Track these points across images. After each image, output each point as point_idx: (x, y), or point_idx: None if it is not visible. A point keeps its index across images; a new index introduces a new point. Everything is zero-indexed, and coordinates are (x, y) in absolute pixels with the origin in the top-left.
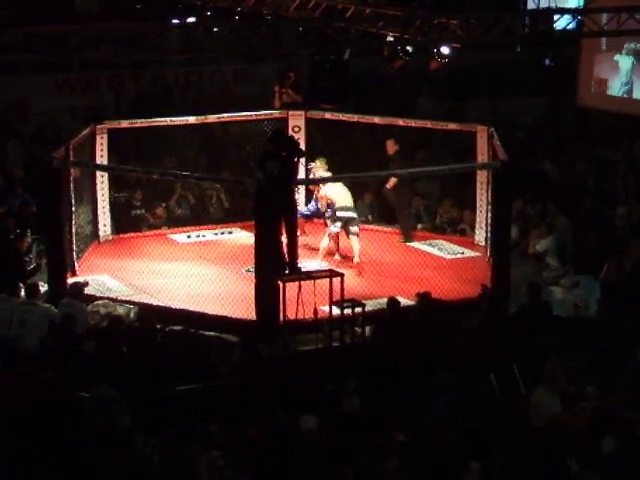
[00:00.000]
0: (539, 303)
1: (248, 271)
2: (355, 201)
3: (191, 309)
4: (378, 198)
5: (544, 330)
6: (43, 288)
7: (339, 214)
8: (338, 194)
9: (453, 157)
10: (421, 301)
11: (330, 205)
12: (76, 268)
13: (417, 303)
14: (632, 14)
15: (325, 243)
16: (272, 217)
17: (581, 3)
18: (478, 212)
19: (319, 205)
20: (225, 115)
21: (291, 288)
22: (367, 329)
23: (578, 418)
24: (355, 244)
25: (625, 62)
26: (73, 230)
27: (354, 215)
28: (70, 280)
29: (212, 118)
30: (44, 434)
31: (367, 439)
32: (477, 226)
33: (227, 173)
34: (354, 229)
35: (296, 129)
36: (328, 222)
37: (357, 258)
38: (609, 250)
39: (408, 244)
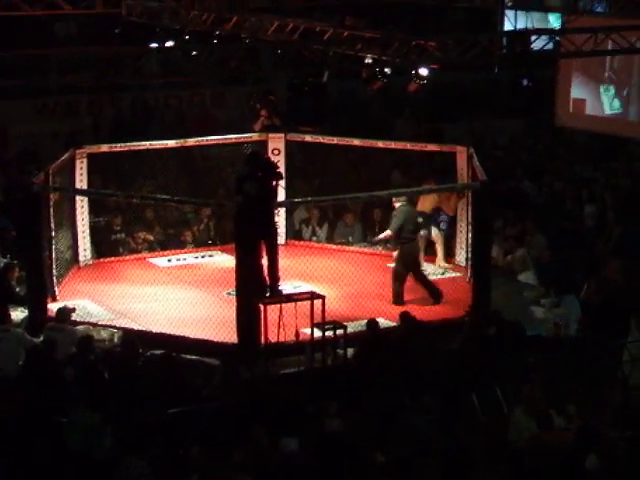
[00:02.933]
0: (507, 327)
1: (229, 294)
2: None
3: (172, 333)
4: (360, 219)
5: (524, 349)
6: (23, 314)
7: None
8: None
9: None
10: (403, 321)
11: None
12: (56, 293)
13: (399, 323)
14: (608, 34)
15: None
16: (252, 239)
17: (558, 24)
18: (458, 232)
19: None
20: (205, 138)
21: (272, 311)
22: (349, 351)
23: (559, 437)
24: (439, 249)
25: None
26: (53, 255)
27: (419, 220)
28: (54, 305)
29: (191, 142)
30: (25, 459)
31: (348, 460)
32: (457, 247)
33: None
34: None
35: (276, 152)
36: None
37: (440, 260)
38: (589, 270)
39: (389, 265)
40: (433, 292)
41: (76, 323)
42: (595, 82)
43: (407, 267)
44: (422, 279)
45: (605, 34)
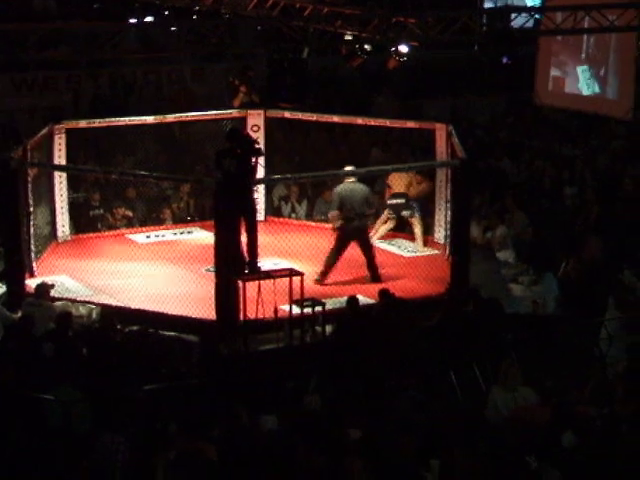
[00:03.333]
0: (485, 304)
1: (208, 271)
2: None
3: (151, 309)
4: None
5: (502, 326)
6: (1, 289)
7: (389, 201)
8: (394, 181)
9: (412, 155)
10: (382, 298)
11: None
12: (34, 269)
13: (378, 300)
14: (588, 12)
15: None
16: (231, 216)
17: (537, 2)
18: (437, 210)
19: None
20: (184, 115)
21: (251, 287)
22: (327, 328)
23: (536, 414)
24: (416, 230)
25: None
26: (31, 231)
27: (402, 201)
28: (32, 281)
29: (171, 118)
30: (5, 436)
31: (326, 437)
32: (436, 224)
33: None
34: (405, 213)
35: (255, 128)
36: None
37: (418, 245)
38: (567, 247)
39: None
40: (374, 275)
41: (54, 299)
42: (573, 62)
43: (340, 247)
44: (370, 262)
45: (585, 12)
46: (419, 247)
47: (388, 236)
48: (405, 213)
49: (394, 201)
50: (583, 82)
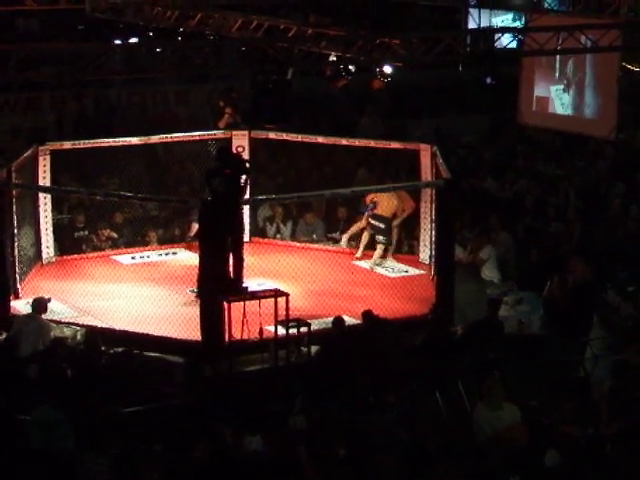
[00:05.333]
0: (494, 319)
1: (193, 291)
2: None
3: (135, 330)
4: (323, 217)
5: (492, 347)
6: None
7: (372, 220)
8: (382, 202)
9: (396, 176)
10: (365, 319)
11: (372, 205)
12: (19, 290)
13: (362, 321)
14: (571, 33)
15: (377, 254)
16: (218, 236)
17: (520, 23)
18: (422, 230)
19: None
20: (168, 136)
21: (236, 308)
22: (313, 348)
23: (521, 433)
24: (377, 252)
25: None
26: (16, 252)
27: (382, 226)
28: (16, 303)
29: (155, 139)
30: None
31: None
32: (421, 244)
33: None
34: (380, 239)
35: (240, 149)
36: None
37: (371, 264)
38: (551, 267)
39: (353, 263)
40: None
41: None
42: (546, 81)
43: None
44: None
45: (568, 32)
46: (371, 262)
47: (372, 256)
48: (380, 238)
49: (375, 222)
50: (557, 101)
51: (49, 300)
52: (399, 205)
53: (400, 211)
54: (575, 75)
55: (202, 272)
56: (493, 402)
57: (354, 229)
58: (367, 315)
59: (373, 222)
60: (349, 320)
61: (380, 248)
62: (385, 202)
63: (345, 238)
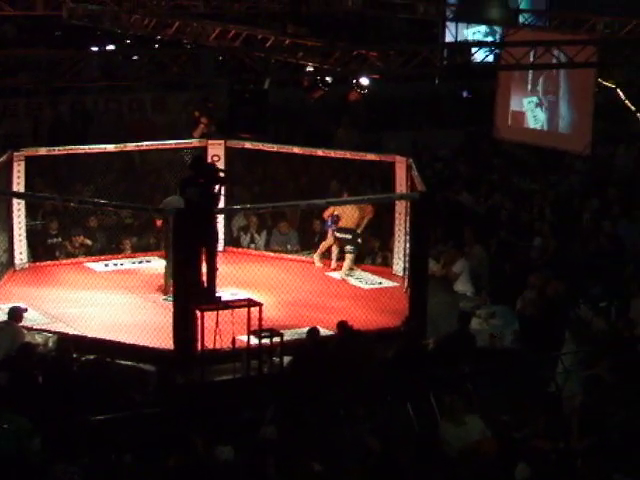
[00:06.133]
0: (466, 333)
1: (166, 300)
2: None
3: (108, 338)
4: (297, 228)
5: (464, 360)
6: None
7: (337, 234)
8: (345, 214)
9: (371, 188)
10: (340, 331)
11: (334, 219)
12: None
13: (337, 332)
14: (547, 48)
15: (346, 266)
16: (191, 245)
17: (496, 37)
18: (396, 242)
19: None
20: (144, 144)
21: (209, 317)
22: (285, 359)
23: (490, 446)
24: (346, 262)
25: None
26: None
27: (349, 237)
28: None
29: (131, 146)
30: None
31: (283, 468)
32: (395, 256)
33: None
34: (348, 248)
35: (215, 158)
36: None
37: (342, 274)
38: (525, 281)
39: (327, 274)
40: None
41: None
42: (519, 94)
43: None
44: None
45: (544, 48)
46: (342, 272)
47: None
48: (348, 248)
49: (340, 235)
50: (532, 116)
51: (25, 310)
52: (360, 214)
53: (361, 219)
54: (550, 90)
55: (176, 280)
56: (456, 418)
57: (323, 248)
58: (342, 326)
59: (339, 235)
60: (323, 331)
61: (349, 258)
62: (347, 214)
63: (317, 258)
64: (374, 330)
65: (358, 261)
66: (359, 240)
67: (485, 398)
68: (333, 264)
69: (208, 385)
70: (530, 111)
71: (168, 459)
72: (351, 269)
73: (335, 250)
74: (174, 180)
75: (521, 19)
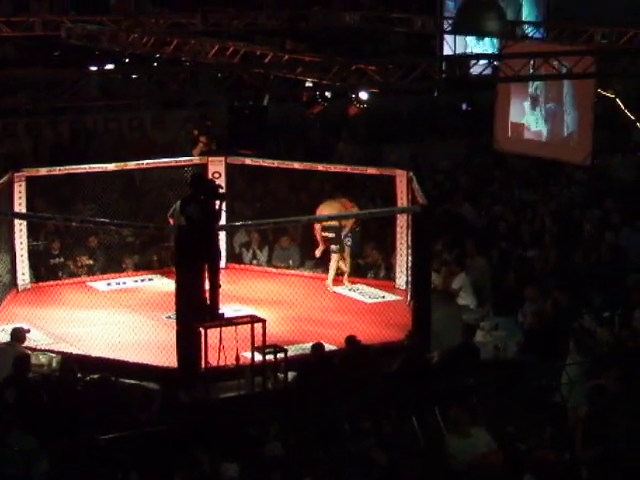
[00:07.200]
0: (470, 345)
1: (169, 318)
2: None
3: (111, 357)
4: (298, 242)
5: (468, 372)
6: None
7: (323, 233)
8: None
9: (372, 201)
10: (349, 345)
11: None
12: None
13: (345, 347)
14: (546, 59)
15: (332, 268)
16: (194, 262)
17: (494, 49)
18: (398, 256)
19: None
20: (145, 162)
21: (212, 334)
22: (289, 375)
23: (497, 459)
24: (332, 263)
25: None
26: None
27: (332, 235)
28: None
29: (131, 165)
30: None
31: None
32: (398, 270)
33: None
34: (332, 247)
35: (216, 175)
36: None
37: (328, 278)
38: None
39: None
40: None
41: None
42: (519, 96)
43: None
44: None
45: (543, 59)
46: (328, 276)
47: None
48: (333, 248)
49: (326, 234)
50: (532, 127)
51: (28, 331)
52: (342, 209)
53: (346, 221)
54: (550, 101)
55: (178, 298)
56: (461, 431)
57: (332, 270)
58: (351, 341)
59: (325, 234)
60: (326, 346)
61: (334, 259)
62: (326, 211)
63: (330, 283)
64: (378, 344)
65: (360, 275)
66: (343, 238)
67: (490, 410)
68: (345, 282)
69: (213, 402)
70: (532, 124)
71: (174, 477)
72: (338, 269)
73: (343, 266)
74: (175, 198)
75: (520, 31)
